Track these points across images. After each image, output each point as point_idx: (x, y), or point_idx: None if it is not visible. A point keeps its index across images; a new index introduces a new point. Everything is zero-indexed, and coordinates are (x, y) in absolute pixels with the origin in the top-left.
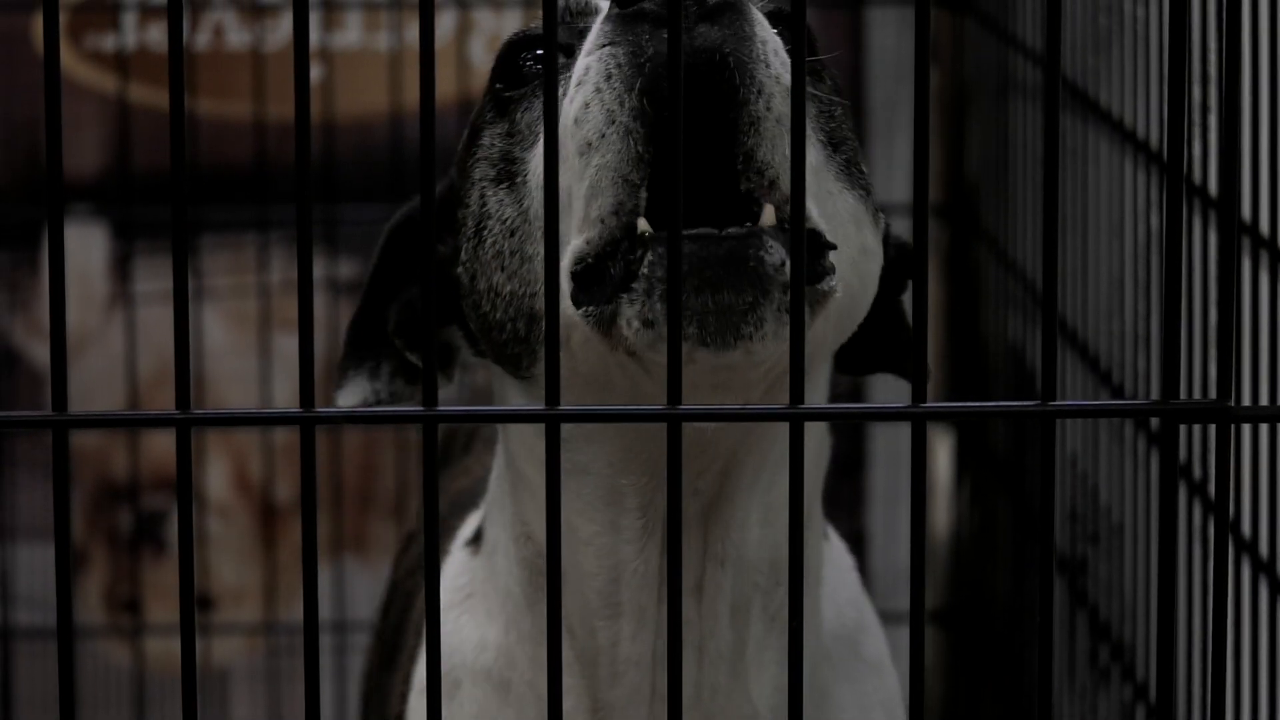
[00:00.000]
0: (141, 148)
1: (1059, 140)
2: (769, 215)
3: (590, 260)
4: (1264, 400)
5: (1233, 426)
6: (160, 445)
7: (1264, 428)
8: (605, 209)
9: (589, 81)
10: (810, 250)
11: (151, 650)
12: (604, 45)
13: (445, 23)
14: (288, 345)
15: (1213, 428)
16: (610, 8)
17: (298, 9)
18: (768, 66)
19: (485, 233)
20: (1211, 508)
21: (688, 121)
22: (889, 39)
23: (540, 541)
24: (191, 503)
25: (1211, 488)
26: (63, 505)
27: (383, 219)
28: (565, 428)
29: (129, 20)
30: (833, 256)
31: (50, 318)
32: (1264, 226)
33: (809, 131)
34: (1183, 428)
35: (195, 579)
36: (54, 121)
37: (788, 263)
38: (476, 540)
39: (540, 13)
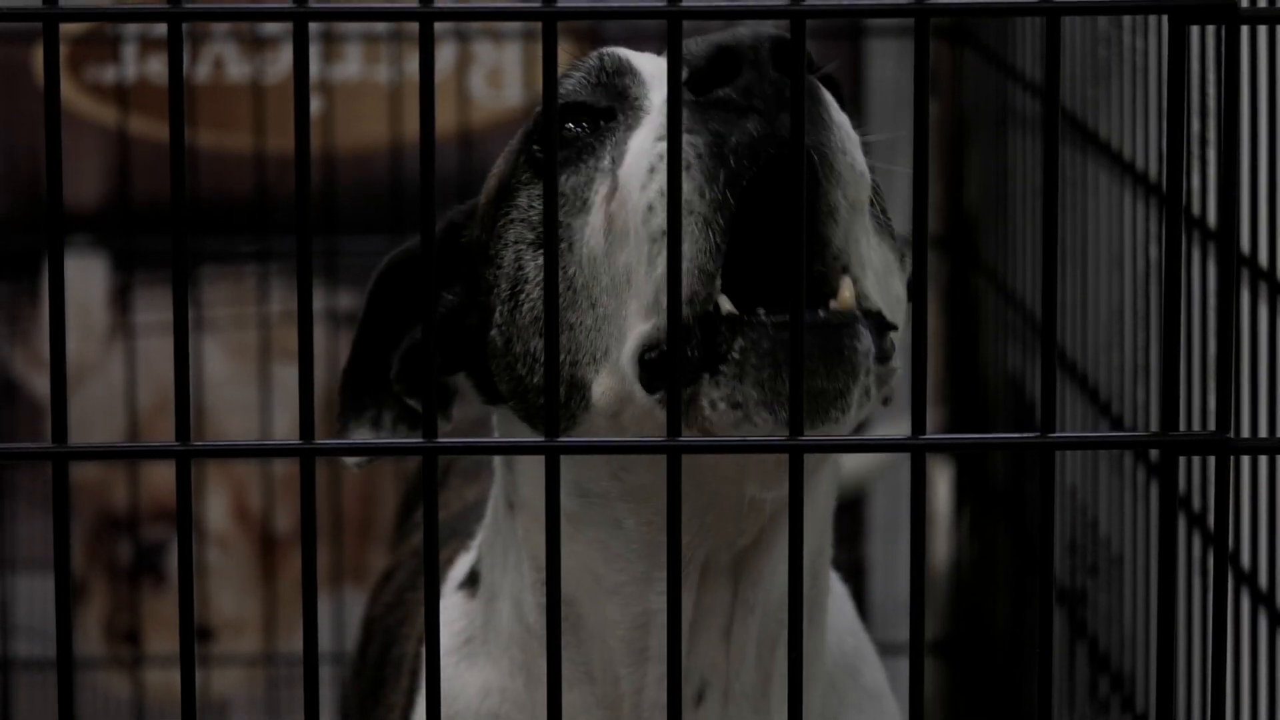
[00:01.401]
0: (141, 179)
1: (1058, 172)
2: (846, 295)
3: (663, 348)
4: (1263, 432)
5: (1232, 458)
6: (160, 476)
7: (1263, 459)
8: (686, 294)
9: (664, 170)
10: (876, 329)
11: (151, 681)
12: (685, 133)
13: (445, 55)
14: (287, 376)
15: (1212, 459)
16: (681, 92)
17: (298, 41)
18: (845, 154)
19: (523, 297)
20: (1211, 539)
21: (765, 205)
22: (889, 70)
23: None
24: (191, 534)
25: (1211, 519)
26: (62, 536)
27: (382, 251)
28: (600, 483)
29: (129, 52)
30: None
31: (50, 349)
32: (1263, 258)
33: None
34: (1182, 459)
35: (195, 610)
36: (54, 152)
37: (873, 349)
38: (473, 583)
39: (575, 72)
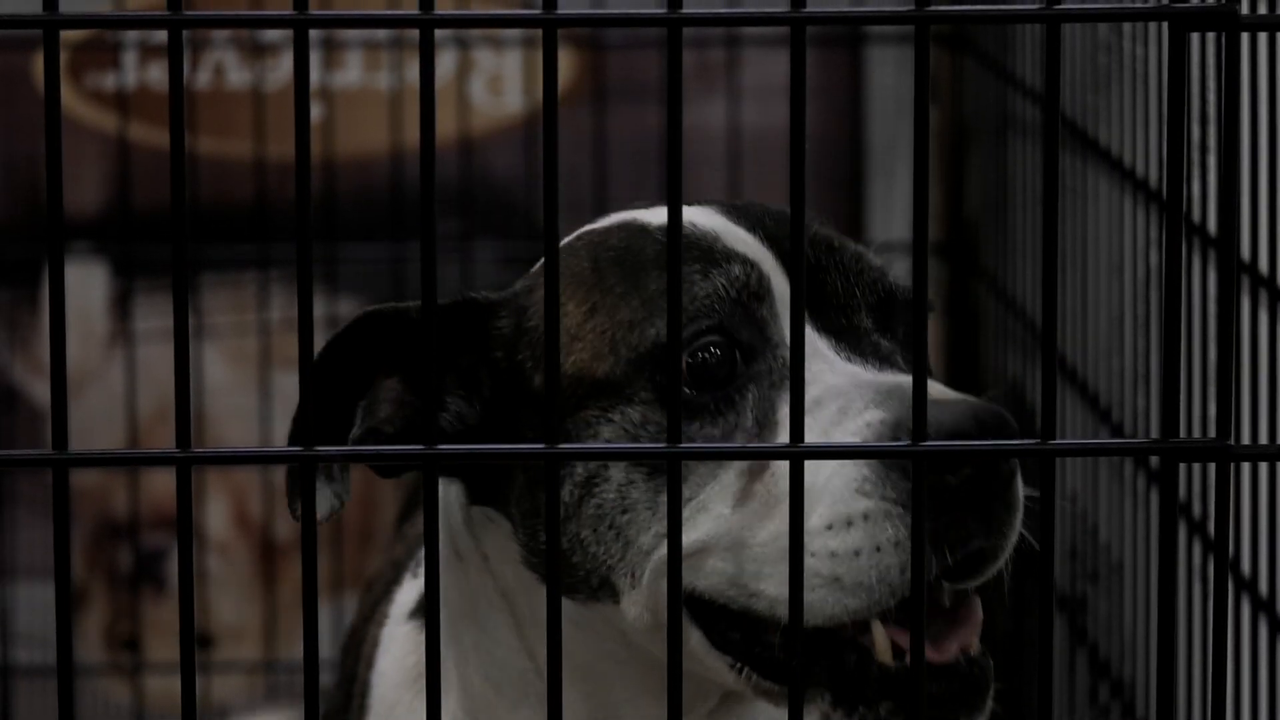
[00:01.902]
0: (142, 186)
1: (1058, 178)
2: (976, 639)
3: (781, 655)
4: (1263, 439)
5: (1232, 465)
6: (160, 483)
7: (1263, 466)
8: (816, 621)
9: (866, 531)
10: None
11: (151, 688)
12: (894, 502)
13: (445, 62)
14: (288, 383)
15: (1212, 466)
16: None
17: (298, 48)
18: (1015, 534)
19: (598, 492)
20: (1211, 546)
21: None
22: (889, 78)
23: (535, 657)
24: (191, 540)
25: (1211, 526)
26: (63, 543)
27: (383, 257)
28: (608, 645)
29: (129, 59)
30: None
31: (50, 356)
32: (1263, 265)
33: None
34: (1182, 466)
35: (195, 617)
36: (54, 160)
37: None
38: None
39: (715, 276)
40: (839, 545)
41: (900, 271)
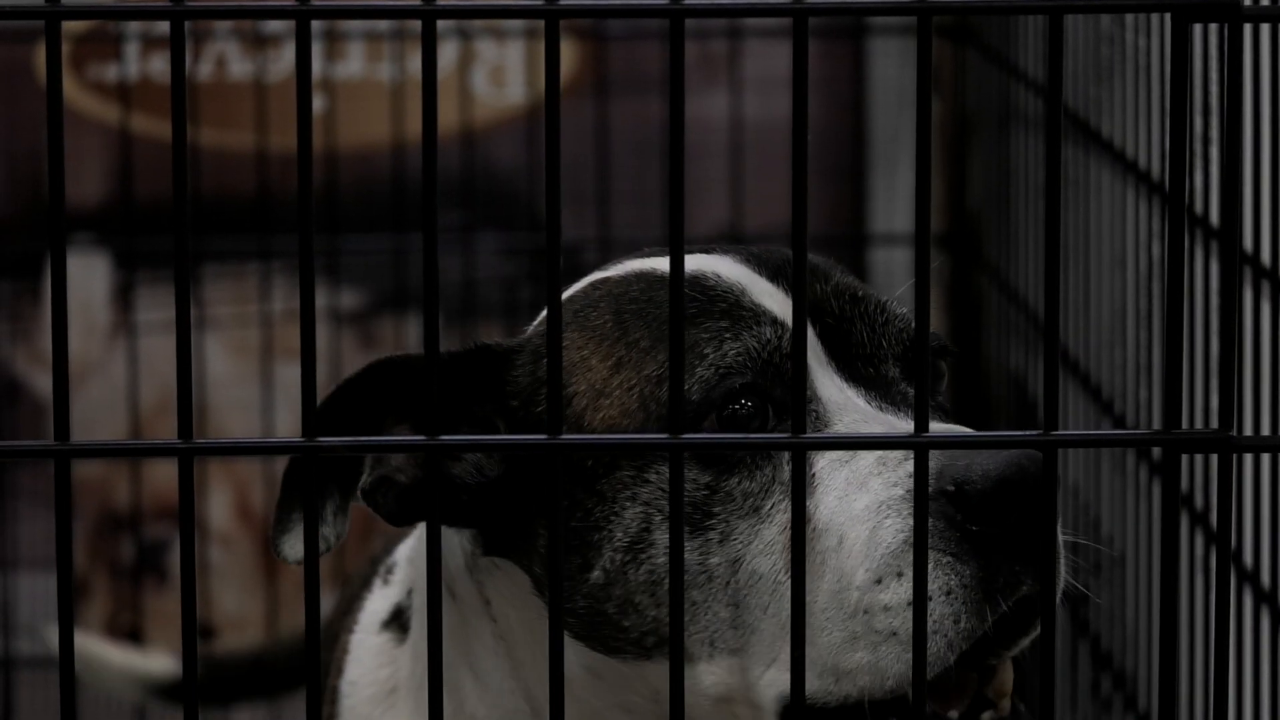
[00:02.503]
0: (144, 178)
1: (1061, 170)
2: (1007, 700)
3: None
4: (1265, 430)
5: (1234, 456)
6: (162, 474)
7: (1266, 457)
8: (876, 685)
9: (909, 575)
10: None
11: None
12: (943, 551)
13: (447, 53)
14: (290, 374)
15: (1214, 457)
16: (940, 502)
17: (300, 39)
18: (1061, 579)
19: (645, 559)
20: (1213, 537)
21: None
22: (891, 69)
23: (531, 700)
24: (194, 532)
25: (1213, 517)
26: (64, 535)
27: (384, 249)
28: (634, 697)
29: (131, 50)
30: None
31: (52, 347)
32: (1265, 257)
33: None
34: (1184, 457)
35: (197, 608)
36: (56, 152)
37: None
38: (402, 629)
39: (746, 335)
40: (890, 598)
41: (904, 261)
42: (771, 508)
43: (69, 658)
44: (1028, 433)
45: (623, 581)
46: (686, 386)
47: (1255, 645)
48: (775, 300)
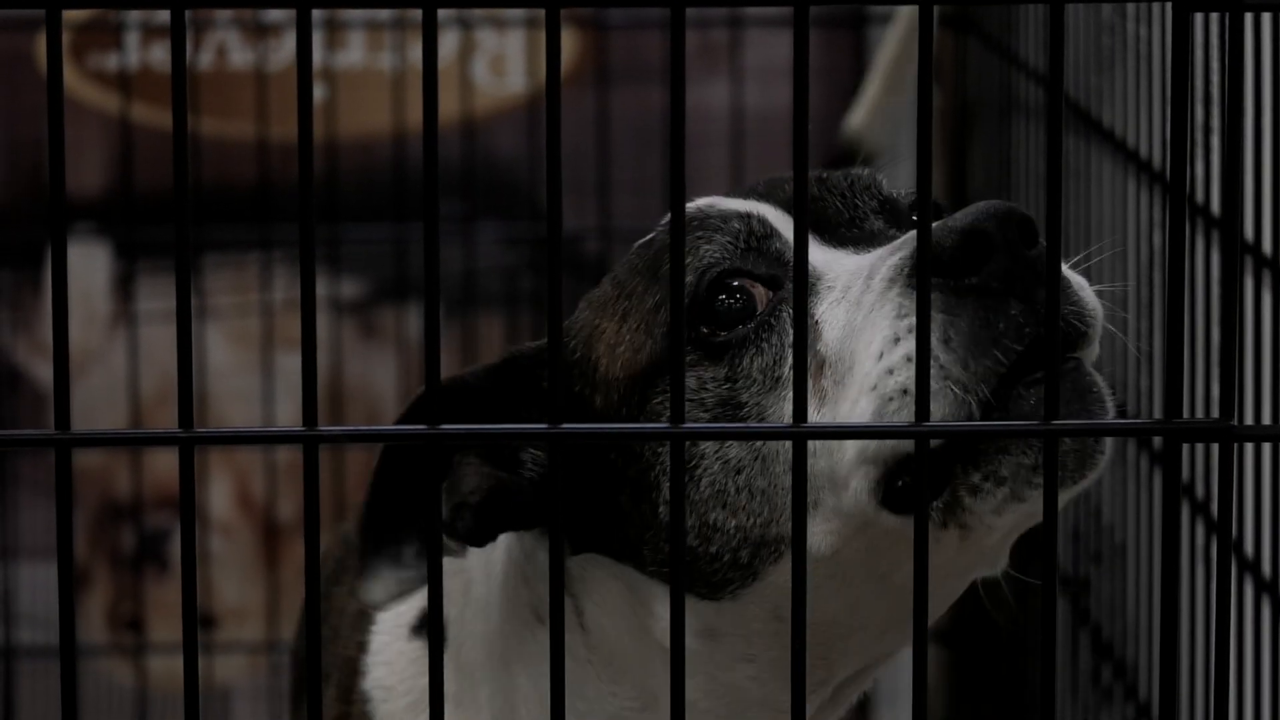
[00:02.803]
0: (144, 167)
1: (1062, 160)
2: (1092, 351)
3: (907, 480)
4: (1266, 419)
5: (1235, 446)
6: (163, 464)
7: (1266, 447)
8: (900, 449)
9: (909, 340)
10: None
11: (154, 669)
12: (939, 314)
13: (448, 43)
14: (290, 364)
15: (1215, 447)
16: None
17: (301, 29)
18: (1093, 309)
19: (700, 473)
20: (1214, 527)
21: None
22: None
23: (636, 697)
24: (194, 521)
25: (1214, 507)
26: (65, 524)
27: (385, 238)
28: (756, 624)
29: (132, 40)
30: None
31: (53, 337)
32: (1266, 246)
33: None
34: (1185, 447)
35: (198, 598)
36: (57, 141)
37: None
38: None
39: (717, 236)
40: (892, 361)
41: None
42: (789, 369)
43: (70, 646)
44: (1028, 423)
45: (692, 508)
46: (660, 300)
47: (1256, 635)
48: (744, 205)
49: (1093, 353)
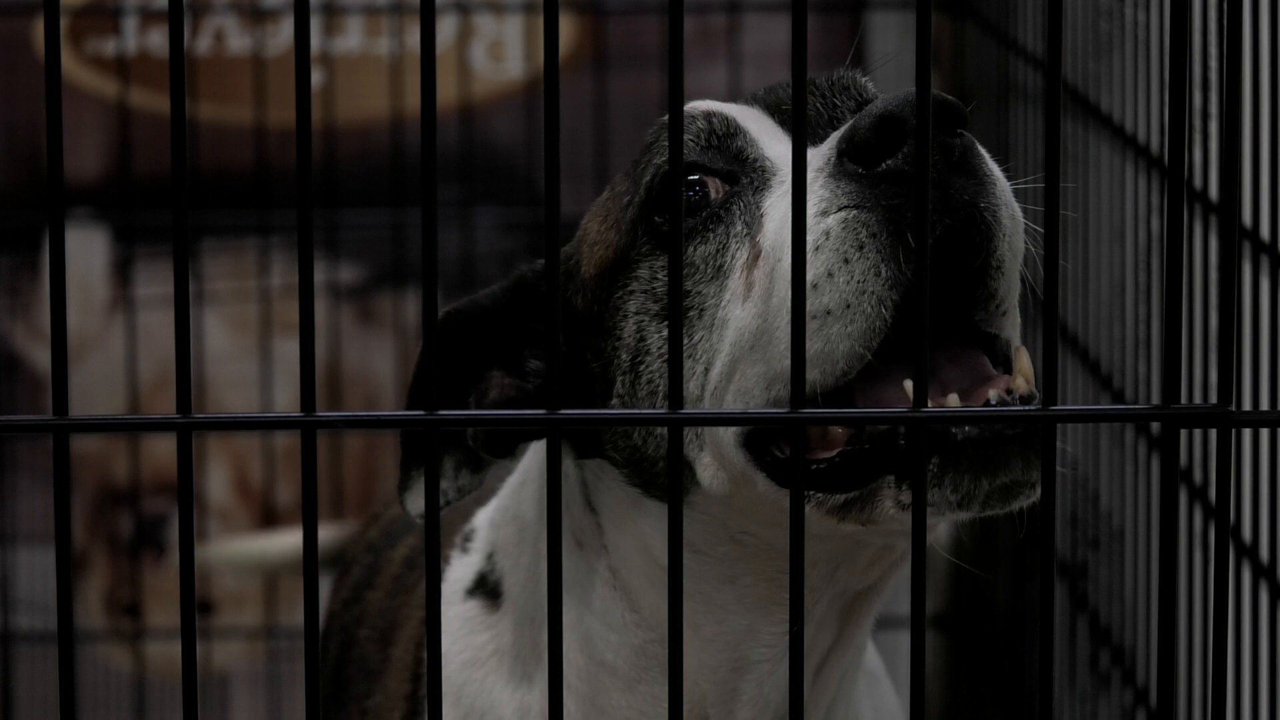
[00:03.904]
0: (142, 152)
1: (1060, 145)
2: (1025, 367)
3: (836, 460)
4: (1264, 405)
5: (1233, 431)
6: (161, 449)
7: (1264, 432)
8: (830, 374)
9: (831, 248)
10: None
11: (152, 654)
12: (848, 208)
13: (446, 28)
14: (288, 349)
15: (1213, 432)
16: (841, 162)
17: (299, 14)
18: (1007, 207)
19: (644, 369)
20: (1212, 512)
21: (937, 266)
22: (890, 43)
23: (655, 628)
24: (192, 507)
25: (1212, 492)
26: (63, 509)
27: (383, 223)
28: (720, 546)
29: (130, 25)
30: None
31: (51, 322)
32: (1264, 231)
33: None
34: (1183, 432)
35: (196, 583)
36: (55, 126)
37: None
38: (489, 595)
39: (685, 138)
40: (813, 275)
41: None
42: (730, 259)
43: (68, 632)
44: (1026, 408)
45: (637, 405)
46: (631, 198)
47: (1254, 620)
48: (720, 106)
49: (1005, 285)
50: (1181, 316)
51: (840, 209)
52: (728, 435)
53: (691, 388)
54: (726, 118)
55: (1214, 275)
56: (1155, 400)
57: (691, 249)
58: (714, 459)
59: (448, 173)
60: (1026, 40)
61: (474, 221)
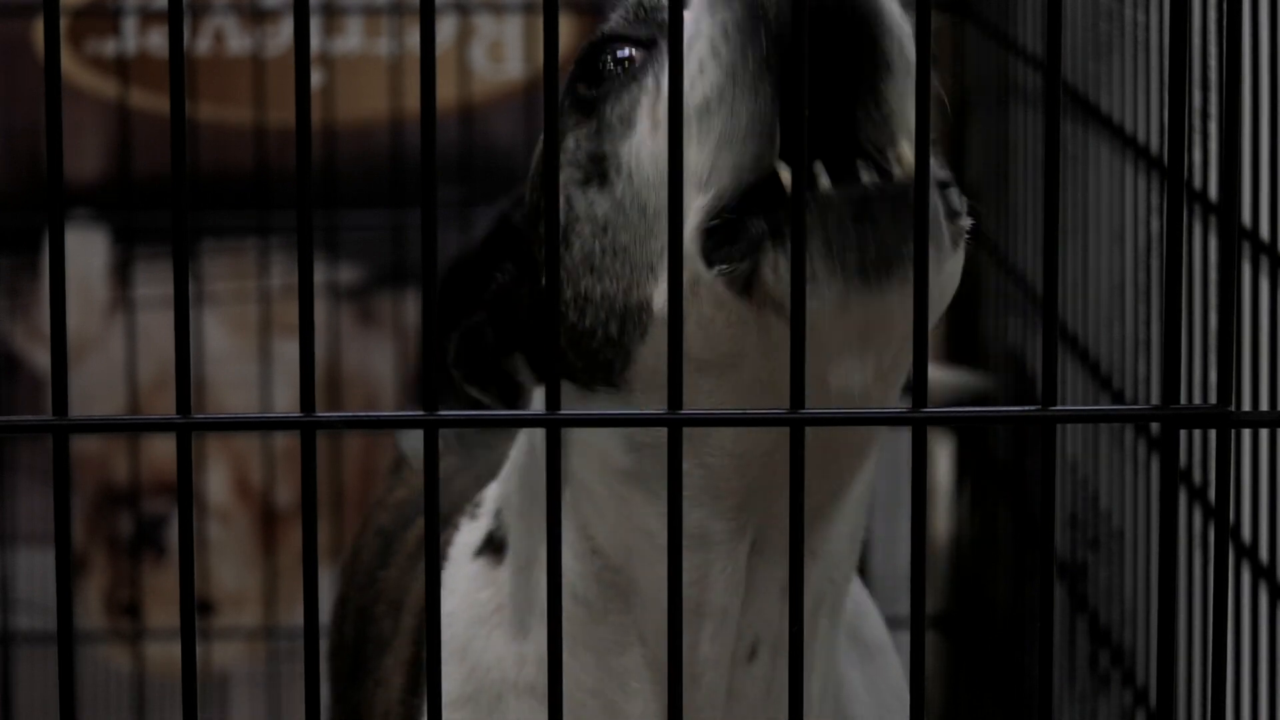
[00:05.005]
0: (142, 153)
1: (1059, 146)
2: (907, 154)
3: (729, 215)
4: (1264, 405)
5: (1233, 431)
6: (160, 450)
7: (1264, 433)
8: (739, 161)
9: (702, 38)
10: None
11: (152, 655)
12: (716, 13)
13: (446, 28)
14: (288, 350)
15: (1213, 433)
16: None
17: (298, 14)
18: (897, 7)
19: (573, 236)
20: (1212, 513)
21: (814, 70)
22: None
23: (610, 554)
24: (192, 507)
25: (1212, 493)
26: (63, 510)
27: (383, 224)
28: (653, 432)
29: (129, 25)
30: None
31: (51, 322)
32: (1264, 231)
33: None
34: (1183, 433)
35: (195, 584)
36: (55, 127)
37: (941, 205)
38: (496, 550)
39: (614, 14)
40: (689, 76)
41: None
42: (639, 112)
43: (68, 633)
44: (1026, 408)
45: (568, 280)
46: (574, 68)
47: (1253, 621)
48: None
49: (894, 90)
50: (1181, 317)
51: (710, 17)
52: (687, 230)
53: (639, 231)
54: None
55: (1214, 275)
56: (1155, 400)
57: (608, 109)
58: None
59: (447, 173)
60: (1026, 41)
61: (474, 222)
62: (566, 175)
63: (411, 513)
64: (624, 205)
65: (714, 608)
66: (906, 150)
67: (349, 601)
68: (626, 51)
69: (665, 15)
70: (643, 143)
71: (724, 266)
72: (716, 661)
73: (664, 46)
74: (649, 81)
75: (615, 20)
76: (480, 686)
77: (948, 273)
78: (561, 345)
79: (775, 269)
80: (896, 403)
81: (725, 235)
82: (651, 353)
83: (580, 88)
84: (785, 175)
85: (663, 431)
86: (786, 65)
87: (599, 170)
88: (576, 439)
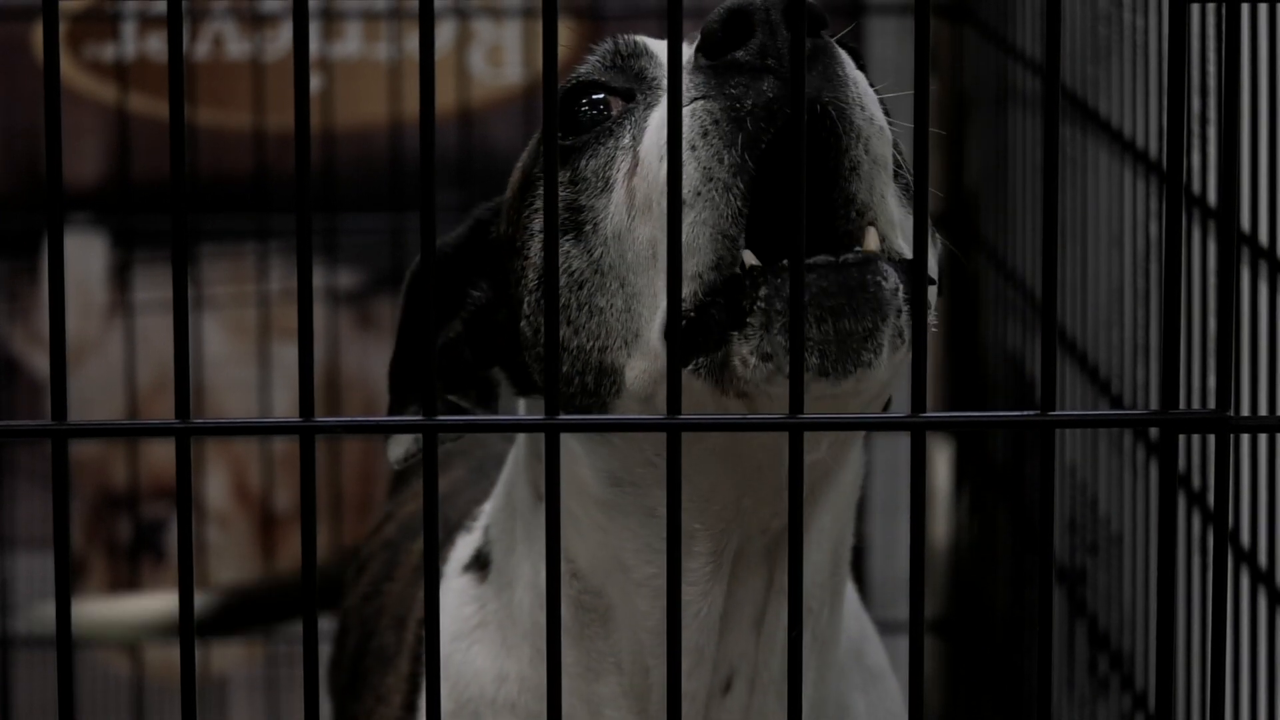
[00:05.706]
0: (141, 157)
1: (1058, 150)
2: (871, 242)
3: (692, 314)
4: (1263, 410)
5: (1232, 436)
6: (159, 454)
7: (1263, 437)
8: (704, 264)
9: (683, 138)
10: (905, 272)
11: (150, 659)
12: (696, 99)
13: (445, 33)
14: (287, 354)
15: (1212, 437)
16: (696, 58)
17: (297, 19)
18: (863, 109)
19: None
20: (1210, 517)
21: (784, 168)
22: (889, 48)
23: (589, 578)
24: (191, 512)
25: (1211, 497)
26: (62, 514)
27: (382, 228)
28: (635, 470)
29: (128, 30)
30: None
31: (50, 327)
32: (1263, 236)
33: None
34: (1182, 437)
35: (194, 588)
36: (54, 131)
37: (902, 288)
38: (481, 567)
39: (590, 57)
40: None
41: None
42: (615, 172)
43: (66, 636)
44: (1025, 413)
45: (538, 320)
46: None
47: (1252, 625)
48: (635, 38)
49: (864, 190)
50: (1180, 322)
51: (691, 101)
52: (655, 324)
53: (616, 302)
54: (634, 40)
55: (1212, 280)
56: (1154, 405)
57: (584, 163)
58: (642, 358)
59: (446, 178)
60: (1025, 45)
61: None
62: (541, 222)
63: (418, 525)
64: (601, 268)
65: (689, 644)
66: (872, 240)
67: (351, 613)
68: (608, 103)
69: (643, 64)
70: (619, 212)
71: (699, 360)
72: (693, 695)
73: (642, 101)
74: (626, 140)
75: (591, 65)
76: (460, 703)
77: (897, 360)
78: (538, 381)
79: (745, 361)
80: (855, 458)
81: (691, 332)
82: (626, 407)
83: (560, 137)
84: (749, 258)
85: (642, 469)
86: (760, 165)
87: (575, 221)
88: (563, 464)
